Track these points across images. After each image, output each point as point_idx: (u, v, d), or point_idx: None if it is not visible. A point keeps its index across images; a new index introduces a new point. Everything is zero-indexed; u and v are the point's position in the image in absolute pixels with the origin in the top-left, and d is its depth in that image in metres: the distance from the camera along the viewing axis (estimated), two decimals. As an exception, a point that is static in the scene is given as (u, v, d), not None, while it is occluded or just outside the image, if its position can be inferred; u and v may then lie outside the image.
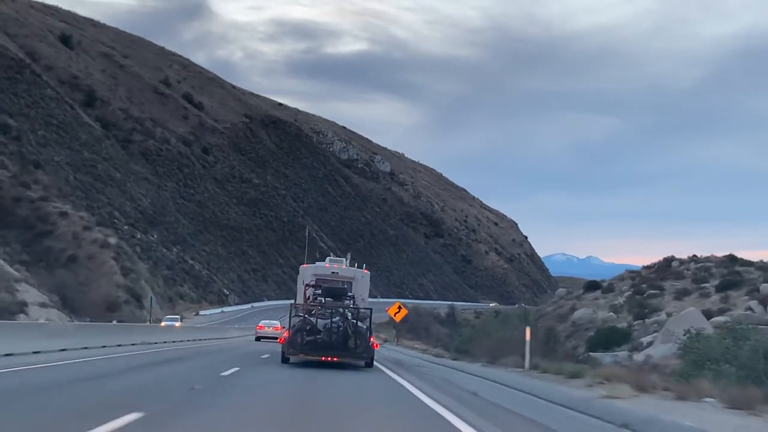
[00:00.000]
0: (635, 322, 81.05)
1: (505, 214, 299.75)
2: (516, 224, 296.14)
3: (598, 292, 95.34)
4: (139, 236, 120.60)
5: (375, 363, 26.13)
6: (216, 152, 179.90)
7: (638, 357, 66.10)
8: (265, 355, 30.92)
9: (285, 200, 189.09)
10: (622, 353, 69.71)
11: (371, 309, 26.56)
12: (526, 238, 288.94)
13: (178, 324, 52.23)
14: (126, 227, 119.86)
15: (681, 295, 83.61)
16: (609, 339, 77.30)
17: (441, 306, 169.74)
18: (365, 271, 30.73)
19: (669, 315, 77.14)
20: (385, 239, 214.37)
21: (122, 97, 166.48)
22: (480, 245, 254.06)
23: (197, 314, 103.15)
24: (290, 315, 25.89)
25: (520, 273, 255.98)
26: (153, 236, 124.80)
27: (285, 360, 25.53)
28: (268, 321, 64.27)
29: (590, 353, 69.88)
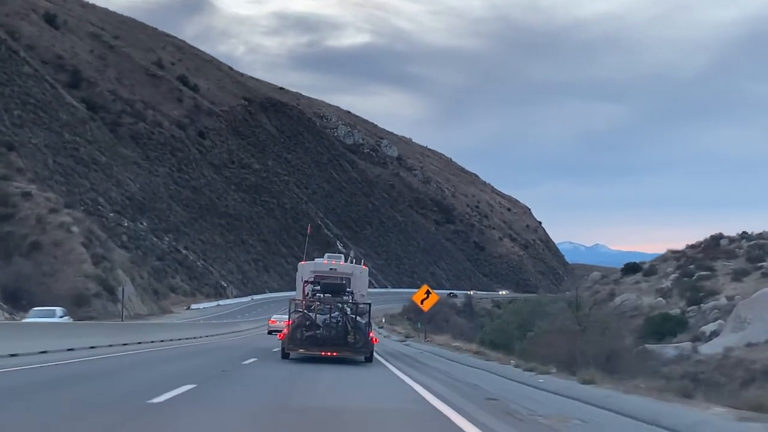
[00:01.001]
0: (689, 308, 70.53)
1: (517, 199, 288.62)
2: (529, 209, 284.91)
3: (638, 275, 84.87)
4: (126, 224, 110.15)
5: (437, 403, 14.24)
6: (213, 136, 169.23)
7: (707, 349, 55.47)
8: (169, 395, 13.40)
9: (288, 186, 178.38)
10: (683, 344, 59.21)
11: (370, 304, 26.34)
12: (540, 223, 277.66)
13: (57, 320, 35.75)
14: (112, 214, 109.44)
15: (739, 275, 72.89)
16: (662, 328, 66.86)
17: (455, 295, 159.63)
18: (364, 267, 30.37)
19: (730, 299, 66.79)
20: (393, 226, 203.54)
21: (111, 78, 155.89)
22: (493, 231, 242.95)
23: (188, 308, 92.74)
24: (290, 310, 25.74)
25: (535, 260, 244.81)
26: (142, 224, 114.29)
27: (285, 355, 24.94)
28: (279, 315, 63.24)
29: (645, 346, 59.40)
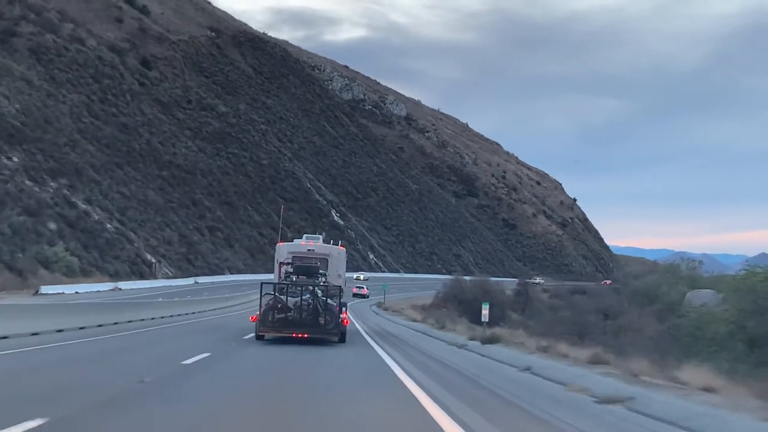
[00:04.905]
0: None
1: (546, 172, 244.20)
2: (560, 185, 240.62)
3: None
4: (-24, 156, 66.00)
5: None
6: (162, 67, 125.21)
7: None
8: None
9: (265, 137, 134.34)
10: None
11: (341, 287, 26.73)
12: (575, 200, 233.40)
13: None
14: (-47, 141, 65.25)
15: None
16: None
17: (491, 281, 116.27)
18: (341, 247, 30.87)
19: None
20: (405, 195, 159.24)
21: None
22: (525, 207, 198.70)
23: (37, 293, 48.89)
24: (261, 293, 25.91)
25: (576, 241, 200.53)
26: (11, 159, 70.25)
27: (259, 337, 25.16)
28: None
29: None
